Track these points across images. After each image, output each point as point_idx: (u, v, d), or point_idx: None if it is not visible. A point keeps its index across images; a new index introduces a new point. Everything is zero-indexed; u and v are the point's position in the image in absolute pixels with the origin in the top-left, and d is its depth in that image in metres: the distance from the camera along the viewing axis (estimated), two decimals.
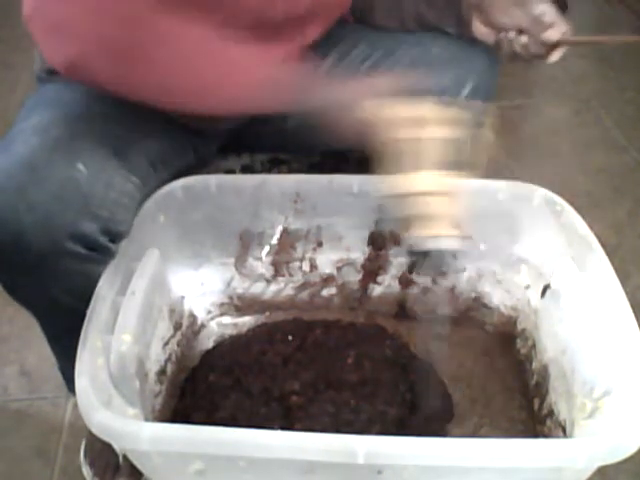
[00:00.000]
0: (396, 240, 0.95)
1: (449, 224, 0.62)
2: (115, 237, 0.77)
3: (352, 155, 1.05)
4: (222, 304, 1.01)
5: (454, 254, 0.68)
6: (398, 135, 0.63)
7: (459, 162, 0.63)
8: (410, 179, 0.61)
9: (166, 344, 0.89)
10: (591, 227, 0.82)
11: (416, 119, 0.64)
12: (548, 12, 0.83)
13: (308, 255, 0.98)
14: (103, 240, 0.75)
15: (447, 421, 0.89)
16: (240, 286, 0.99)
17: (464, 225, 0.62)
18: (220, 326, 1.01)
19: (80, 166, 0.73)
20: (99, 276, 0.78)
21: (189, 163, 0.96)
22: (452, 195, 0.63)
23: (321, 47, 0.96)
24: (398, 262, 0.98)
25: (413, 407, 0.90)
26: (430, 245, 0.62)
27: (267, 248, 0.97)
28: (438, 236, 0.62)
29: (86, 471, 1.01)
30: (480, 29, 0.88)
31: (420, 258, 0.65)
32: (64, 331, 0.90)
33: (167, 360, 0.89)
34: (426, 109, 0.65)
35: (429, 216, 0.62)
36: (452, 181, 0.63)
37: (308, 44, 0.91)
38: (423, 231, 0.62)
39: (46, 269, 0.73)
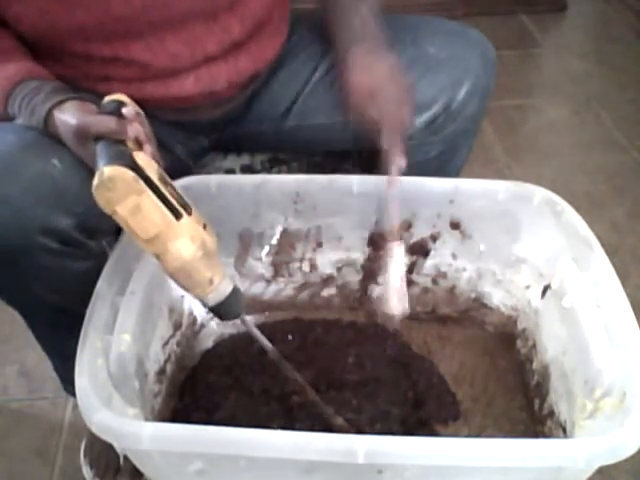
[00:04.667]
0: None
1: (208, 282, 0.68)
2: (92, 233, 0.77)
3: (352, 155, 1.05)
4: None
5: None
6: None
7: None
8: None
9: (166, 344, 0.89)
10: (591, 227, 0.82)
11: None
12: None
13: (308, 255, 0.97)
14: (78, 236, 0.75)
15: (453, 419, 0.89)
16: (240, 286, 0.97)
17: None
18: (220, 326, 1.00)
19: (55, 161, 0.73)
20: (80, 273, 0.78)
21: (179, 157, 0.95)
22: (212, 255, 0.69)
23: (318, 45, 0.97)
24: None
25: (417, 406, 0.90)
26: (210, 303, 0.70)
27: (267, 248, 0.96)
28: (208, 296, 0.70)
29: (86, 471, 1.01)
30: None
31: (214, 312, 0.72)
32: (51, 329, 0.90)
33: (167, 360, 0.89)
34: None
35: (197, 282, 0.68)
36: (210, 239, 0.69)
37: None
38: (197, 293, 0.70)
39: (21, 264, 0.73)
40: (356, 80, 0.81)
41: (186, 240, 0.65)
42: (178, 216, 0.65)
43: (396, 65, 0.82)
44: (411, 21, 0.96)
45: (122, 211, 0.63)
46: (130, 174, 0.63)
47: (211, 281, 0.68)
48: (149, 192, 0.64)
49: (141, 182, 0.63)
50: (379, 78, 0.80)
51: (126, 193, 0.63)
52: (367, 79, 0.80)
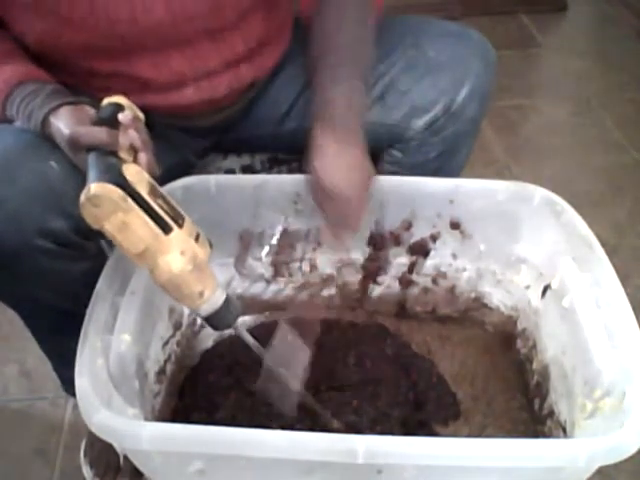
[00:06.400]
0: (396, 240, 0.96)
1: (198, 295, 0.69)
2: (89, 235, 0.76)
3: None
4: None
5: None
6: None
7: None
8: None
9: (166, 344, 0.89)
10: (591, 227, 0.82)
11: None
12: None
13: (308, 255, 0.97)
14: (75, 237, 0.75)
15: (453, 419, 0.89)
16: (240, 286, 0.99)
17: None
18: None
19: (53, 163, 0.73)
20: (78, 273, 0.78)
21: (175, 160, 0.95)
22: (203, 267, 0.68)
23: None
24: (398, 262, 0.98)
25: (417, 406, 0.90)
26: (202, 314, 0.71)
27: (267, 248, 0.96)
28: (199, 308, 0.70)
29: (86, 471, 1.01)
30: None
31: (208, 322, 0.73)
32: (50, 330, 0.90)
33: (167, 360, 0.89)
34: None
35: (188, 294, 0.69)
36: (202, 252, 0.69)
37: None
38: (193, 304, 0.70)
39: (19, 265, 0.73)
40: (319, 171, 0.77)
41: (175, 254, 0.65)
42: (167, 230, 0.65)
43: (361, 158, 0.78)
44: (411, 22, 0.96)
45: (109, 227, 0.63)
46: (116, 192, 0.63)
47: (201, 294, 0.68)
48: (136, 209, 0.64)
49: (128, 199, 0.63)
50: (339, 176, 0.76)
51: (112, 211, 0.63)
52: (329, 174, 0.76)
